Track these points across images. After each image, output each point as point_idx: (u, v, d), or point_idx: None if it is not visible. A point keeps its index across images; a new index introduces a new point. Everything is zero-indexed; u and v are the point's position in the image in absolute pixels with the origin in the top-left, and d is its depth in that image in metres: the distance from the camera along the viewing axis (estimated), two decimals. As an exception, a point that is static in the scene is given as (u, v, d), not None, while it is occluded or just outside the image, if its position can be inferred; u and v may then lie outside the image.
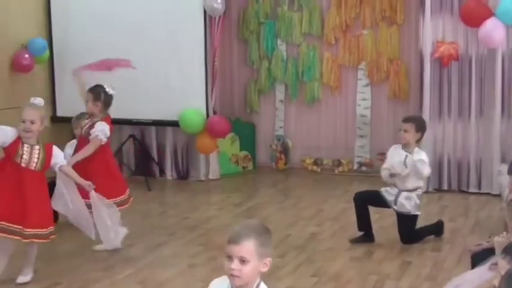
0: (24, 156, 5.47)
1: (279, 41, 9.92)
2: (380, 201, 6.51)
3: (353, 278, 5.69)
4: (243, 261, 2.96)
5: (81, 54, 9.34)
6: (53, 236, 5.60)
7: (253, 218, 7.54)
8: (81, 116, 7.44)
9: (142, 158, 9.55)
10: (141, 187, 8.76)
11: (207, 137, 9.03)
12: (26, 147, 5.48)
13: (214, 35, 9.27)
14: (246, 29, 10.01)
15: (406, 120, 6.56)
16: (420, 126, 6.49)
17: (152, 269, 5.93)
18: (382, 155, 9.40)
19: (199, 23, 9.09)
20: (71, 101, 9.24)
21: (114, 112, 9.22)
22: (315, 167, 9.82)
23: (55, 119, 9.44)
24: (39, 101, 5.71)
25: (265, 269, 3.03)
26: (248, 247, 2.96)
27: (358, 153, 9.66)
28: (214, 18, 9.23)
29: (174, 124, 9.10)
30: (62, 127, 8.85)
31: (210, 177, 9.43)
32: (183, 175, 9.54)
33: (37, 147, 5.53)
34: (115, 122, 9.44)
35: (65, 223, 6.60)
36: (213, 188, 9.12)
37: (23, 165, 5.45)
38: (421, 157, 6.34)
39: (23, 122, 5.51)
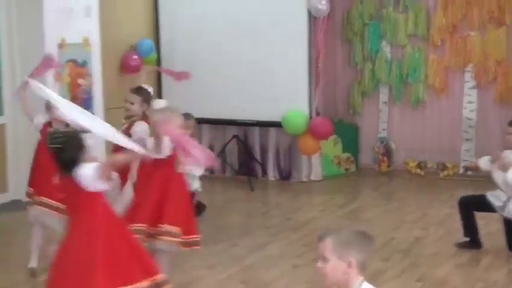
0: None
1: (383, 42, 9.83)
2: (486, 207, 6.34)
3: (459, 285, 5.59)
4: (324, 259, 3.04)
5: (187, 55, 9.54)
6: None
7: (355, 220, 7.52)
8: (185, 116, 7.56)
9: (246, 158, 9.64)
10: (244, 187, 8.86)
11: (310, 138, 9.04)
12: None
13: (318, 36, 9.28)
14: (350, 30, 9.96)
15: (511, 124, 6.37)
16: None
17: (256, 268, 5.98)
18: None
19: (303, 24, 9.11)
20: (177, 102, 9.45)
21: (219, 112, 9.43)
22: (418, 170, 9.68)
23: (161, 119, 9.63)
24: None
25: (349, 270, 3.02)
26: (327, 245, 3.04)
27: (464, 157, 9.46)
28: (319, 19, 9.23)
29: (277, 125, 9.15)
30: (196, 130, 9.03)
31: (312, 178, 9.43)
32: (285, 176, 9.57)
33: None
34: (220, 123, 9.67)
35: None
36: (315, 189, 9.11)
37: None
38: None
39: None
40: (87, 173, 4.00)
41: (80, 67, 8.24)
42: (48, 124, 5.89)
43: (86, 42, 8.30)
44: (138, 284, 4.08)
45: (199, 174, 7.42)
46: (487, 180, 8.44)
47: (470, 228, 6.42)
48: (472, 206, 6.43)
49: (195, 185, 7.49)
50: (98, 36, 8.42)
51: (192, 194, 7.49)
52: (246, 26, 9.28)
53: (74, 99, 8.05)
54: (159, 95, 9.78)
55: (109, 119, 8.63)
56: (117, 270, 4.04)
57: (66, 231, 4.24)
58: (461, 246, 6.40)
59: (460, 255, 6.27)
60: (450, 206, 7.56)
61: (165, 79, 9.72)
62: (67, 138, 4.18)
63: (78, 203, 4.09)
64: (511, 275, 5.77)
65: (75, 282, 3.99)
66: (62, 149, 4.08)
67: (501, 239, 6.48)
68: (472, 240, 6.41)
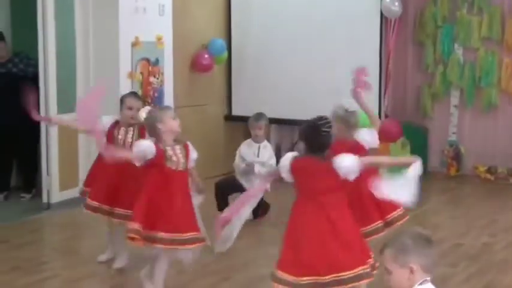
0: (174, 158, 5.12)
1: (456, 45, 9.70)
2: None
3: (527, 293, 5.49)
4: (388, 271, 3.04)
5: (258, 56, 9.62)
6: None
7: (423, 224, 7.44)
8: (258, 116, 7.61)
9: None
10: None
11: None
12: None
13: (390, 37, 9.22)
14: (422, 32, 9.86)
15: None
16: None
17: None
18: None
19: (375, 25, 9.09)
20: (247, 101, 9.55)
21: (288, 112, 9.45)
22: (488, 175, 9.52)
23: (230, 118, 9.74)
24: None
25: (413, 276, 2.99)
26: (386, 257, 3.03)
27: (536, 163, 9.28)
28: (390, 20, 9.18)
29: (345, 126, 9.12)
30: (237, 126, 9.12)
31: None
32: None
33: (178, 147, 5.22)
34: (286, 123, 9.69)
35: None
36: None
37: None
38: None
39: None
40: (350, 164, 4.38)
41: (152, 65, 8.39)
42: (116, 124, 5.89)
43: (159, 41, 8.45)
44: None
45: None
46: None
47: None
48: None
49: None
50: (170, 35, 8.57)
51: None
52: (318, 26, 9.30)
53: (145, 97, 8.22)
54: (229, 95, 9.88)
55: (179, 117, 8.80)
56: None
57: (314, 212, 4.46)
58: None
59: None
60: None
61: (235, 79, 9.81)
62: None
63: (330, 185, 4.42)
64: None
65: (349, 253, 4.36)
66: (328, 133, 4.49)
67: None
68: None
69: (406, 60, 10.01)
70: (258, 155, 7.41)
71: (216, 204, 7.35)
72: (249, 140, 7.54)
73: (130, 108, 5.83)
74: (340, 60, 9.16)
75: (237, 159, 7.44)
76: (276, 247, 6.44)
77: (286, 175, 4.60)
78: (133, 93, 6.22)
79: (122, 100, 5.97)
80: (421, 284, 3.05)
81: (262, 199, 7.61)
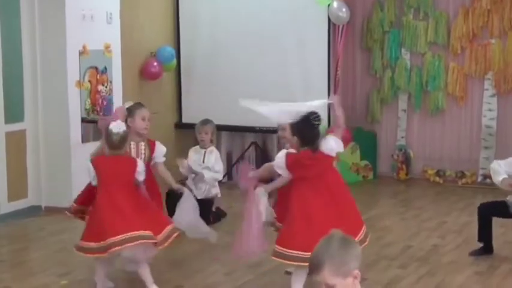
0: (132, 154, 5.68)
1: (403, 50, 9.83)
2: (507, 212, 6.31)
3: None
4: (329, 286, 2.83)
5: (207, 63, 9.61)
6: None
7: (372, 228, 7.50)
8: (204, 121, 7.64)
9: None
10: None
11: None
12: (132, 145, 5.73)
13: (338, 43, 9.30)
14: (370, 38, 9.97)
15: None
16: None
17: (272, 276, 5.97)
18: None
19: (323, 31, 9.16)
20: (197, 108, 9.54)
21: (238, 120, 9.45)
22: (437, 178, 9.67)
23: (180, 126, 9.71)
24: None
25: (356, 281, 2.88)
26: (325, 274, 2.81)
27: (482, 165, 9.42)
28: (338, 26, 9.26)
29: (296, 132, 9.17)
30: (187, 133, 9.09)
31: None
32: (303, 183, 9.57)
33: (143, 143, 5.81)
34: (238, 130, 9.69)
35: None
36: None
37: None
38: None
39: (144, 120, 5.81)
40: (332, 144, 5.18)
41: (100, 74, 8.32)
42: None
43: (107, 49, 8.38)
44: None
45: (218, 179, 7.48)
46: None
47: (485, 233, 6.38)
48: (492, 212, 6.39)
49: (214, 191, 7.55)
50: (118, 43, 8.51)
51: (211, 200, 7.56)
52: (267, 33, 9.32)
53: (94, 105, 8.15)
54: (179, 103, 9.85)
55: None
56: None
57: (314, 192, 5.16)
58: (475, 254, 6.37)
59: (477, 263, 6.25)
60: (468, 214, 7.55)
61: (184, 87, 9.79)
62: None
63: (325, 167, 5.23)
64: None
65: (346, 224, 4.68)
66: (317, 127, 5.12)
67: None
68: (486, 246, 6.37)
69: (354, 66, 10.11)
70: (204, 161, 7.42)
71: (167, 212, 7.30)
72: (196, 147, 7.56)
73: (143, 119, 5.84)
74: (290, 67, 9.21)
75: (184, 162, 7.41)
76: (228, 253, 6.47)
77: (282, 171, 5.24)
78: (141, 104, 6.12)
79: (132, 111, 5.82)
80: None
81: (213, 207, 7.61)
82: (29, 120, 8.04)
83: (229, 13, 9.57)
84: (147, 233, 5.18)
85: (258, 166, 9.69)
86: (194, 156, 7.51)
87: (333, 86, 9.29)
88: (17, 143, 7.89)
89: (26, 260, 6.54)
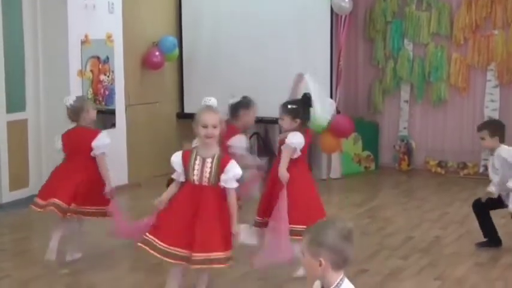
0: (196, 171, 4.79)
1: (405, 41, 9.81)
2: (500, 203, 6.29)
3: (477, 284, 5.56)
4: (302, 254, 3.04)
5: (209, 53, 9.60)
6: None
7: (374, 218, 7.51)
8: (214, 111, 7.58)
9: (266, 155, 9.64)
10: (263, 184, 8.85)
11: (330, 137, 9.03)
12: (198, 160, 4.80)
13: (340, 33, 9.28)
14: (372, 28, 9.94)
15: (479, 128, 6.39)
16: (494, 130, 6.23)
17: (272, 266, 5.93)
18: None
19: (326, 21, 9.12)
20: (199, 98, 9.48)
21: (240, 109, 9.43)
22: (439, 169, 9.66)
23: (182, 116, 9.70)
24: (213, 101, 5.18)
25: (323, 269, 2.96)
26: (304, 240, 3.04)
27: (484, 156, 9.39)
28: (341, 17, 9.23)
29: (298, 122, 9.15)
30: (189, 123, 9.05)
31: (332, 176, 9.43)
32: (305, 173, 9.57)
33: (209, 159, 4.77)
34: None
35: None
36: (335, 187, 9.11)
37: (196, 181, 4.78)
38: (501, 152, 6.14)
39: (204, 127, 4.74)
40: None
41: (102, 63, 8.31)
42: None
43: (109, 39, 8.37)
44: None
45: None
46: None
47: (488, 229, 6.40)
48: (487, 206, 6.40)
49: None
50: (120, 33, 8.50)
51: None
52: (269, 23, 9.30)
53: (96, 95, 8.14)
54: (181, 93, 9.84)
55: (130, 115, 8.77)
56: None
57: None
58: (481, 245, 6.37)
59: (479, 254, 6.24)
60: (470, 205, 7.50)
61: (186, 77, 9.77)
62: None
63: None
64: (531, 275, 5.74)
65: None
66: None
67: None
68: (491, 239, 6.39)
69: (356, 56, 10.09)
70: None
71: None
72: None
73: (205, 126, 4.77)
74: (292, 57, 9.18)
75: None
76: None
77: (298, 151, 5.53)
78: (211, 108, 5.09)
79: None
80: (339, 285, 3.02)
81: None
82: (31, 109, 8.03)
83: (231, 3, 9.54)
84: (59, 202, 5.71)
85: (259, 155, 9.74)
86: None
87: (335, 76, 9.26)
88: (18, 133, 7.88)
89: (27, 249, 6.55)
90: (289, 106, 5.65)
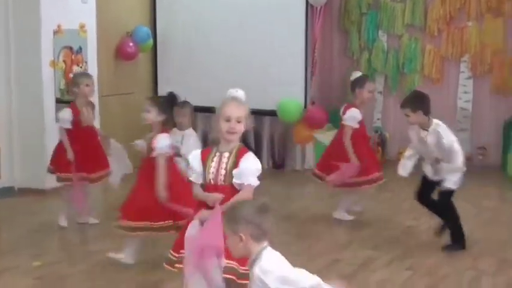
0: (212, 169, 4.05)
1: (380, 32, 9.84)
2: (433, 183, 6.21)
3: (448, 274, 5.59)
4: (225, 234, 3.28)
5: (184, 43, 9.56)
6: None
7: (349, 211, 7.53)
8: (182, 104, 7.57)
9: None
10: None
11: (304, 127, 9.04)
12: (216, 157, 4.08)
13: (315, 25, 9.28)
14: (347, 20, 9.96)
15: (401, 106, 6.28)
16: (415, 105, 6.10)
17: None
18: (483, 150, 9.24)
19: (301, 13, 9.12)
20: (173, 89, 9.43)
21: (214, 101, 9.38)
22: (413, 160, 9.69)
23: (157, 106, 9.65)
24: (241, 93, 4.27)
25: (245, 244, 3.15)
26: (223, 222, 3.25)
27: (458, 146, 9.45)
28: (316, 8, 9.23)
29: (272, 113, 9.16)
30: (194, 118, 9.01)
31: (306, 167, 9.45)
32: (278, 164, 9.59)
33: (226, 153, 4.06)
34: (213, 111, 9.57)
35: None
36: (309, 178, 9.08)
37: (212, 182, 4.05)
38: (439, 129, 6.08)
39: (227, 120, 4.08)
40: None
41: (75, 54, 8.24)
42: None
43: (82, 29, 8.30)
44: None
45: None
46: (482, 169, 8.51)
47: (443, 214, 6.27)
48: (427, 193, 6.31)
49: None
50: (94, 23, 8.43)
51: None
52: (243, 14, 9.29)
53: (68, 86, 8.07)
54: (155, 84, 9.80)
55: (103, 106, 8.70)
56: None
57: None
58: (442, 230, 6.25)
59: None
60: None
61: (161, 67, 9.73)
62: None
63: None
64: (500, 264, 5.77)
65: None
66: None
67: (492, 229, 6.55)
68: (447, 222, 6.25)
69: (331, 48, 10.10)
70: (182, 143, 7.38)
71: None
72: (173, 129, 7.50)
73: (228, 120, 4.10)
74: (267, 48, 9.18)
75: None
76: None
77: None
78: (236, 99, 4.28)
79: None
80: (258, 255, 3.17)
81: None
82: (2, 100, 7.95)
83: (206, -7, 9.52)
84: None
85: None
86: (172, 138, 7.45)
87: (310, 67, 9.27)
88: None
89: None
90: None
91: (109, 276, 5.44)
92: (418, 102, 6.16)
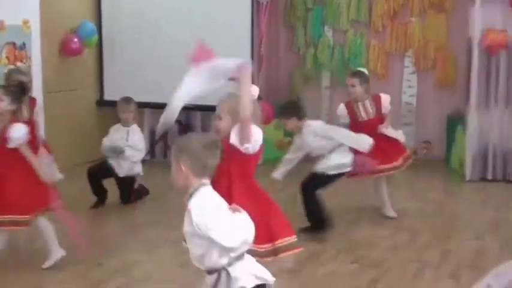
0: None
1: (326, 28, 9.92)
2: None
3: (393, 266, 5.68)
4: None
5: (130, 39, 9.48)
6: None
7: (294, 204, 7.56)
8: (127, 100, 7.57)
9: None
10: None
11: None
12: None
13: (262, 21, 9.30)
14: (293, 15, 10.01)
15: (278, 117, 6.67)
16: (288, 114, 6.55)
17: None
18: (427, 143, 9.39)
19: (246, 8, 9.12)
20: (119, 85, 9.43)
21: (160, 97, 9.34)
22: (358, 154, 9.80)
23: (102, 103, 9.59)
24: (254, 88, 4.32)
25: (184, 175, 3.29)
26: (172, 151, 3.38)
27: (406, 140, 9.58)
28: (262, 4, 9.26)
29: (219, 109, 9.15)
30: (109, 111, 8.97)
31: (254, 162, 9.44)
32: (227, 160, 9.59)
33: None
34: (160, 107, 9.55)
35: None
36: (256, 173, 9.09)
37: None
38: None
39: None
40: None
41: (18, 50, 8.13)
42: None
43: (26, 25, 8.18)
44: None
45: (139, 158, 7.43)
46: (427, 162, 8.62)
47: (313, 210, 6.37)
48: (314, 187, 6.48)
49: (137, 169, 7.50)
50: (37, 19, 8.31)
51: (133, 178, 7.51)
52: (191, 10, 9.24)
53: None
54: (101, 79, 9.71)
55: (49, 103, 8.60)
56: None
57: None
58: (305, 231, 6.10)
59: (395, 236, 6.39)
60: (389, 187, 7.66)
61: (106, 63, 9.65)
62: None
63: None
64: (444, 255, 5.89)
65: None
66: None
67: (436, 222, 6.69)
68: (315, 224, 6.29)
69: (278, 43, 10.14)
70: (127, 139, 7.37)
71: (91, 190, 7.29)
72: (117, 125, 7.48)
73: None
74: (214, 44, 9.05)
75: (105, 143, 7.39)
76: (152, 231, 6.45)
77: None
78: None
79: None
80: (196, 190, 3.29)
81: (134, 185, 7.56)
82: None
83: (151, -11, 9.46)
84: None
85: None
86: (116, 134, 7.44)
87: (256, 63, 9.29)
88: None
89: None
90: None
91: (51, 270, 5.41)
92: (290, 109, 6.56)
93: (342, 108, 6.93)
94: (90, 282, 5.29)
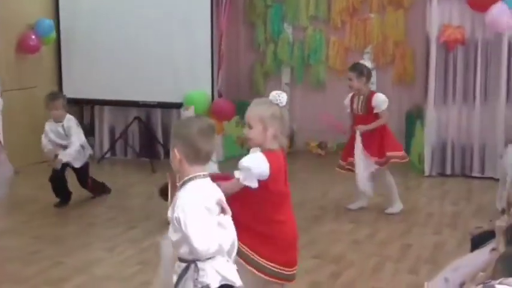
0: None
1: (285, 24, 9.94)
2: None
3: (354, 260, 5.72)
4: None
5: (89, 36, 9.40)
6: None
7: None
8: (54, 96, 7.39)
9: (148, 139, 9.59)
10: (145, 169, 8.81)
11: (212, 120, 9.04)
12: None
13: (221, 18, 9.29)
14: (252, 12, 10.02)
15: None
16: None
17: (153, 251, 5.93)
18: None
19: (206, 5, 9.09)
20: (79, 83, 9.35)
21: (120, 94, 9.31)
22: (319, 150, 9.86)
23: (61, 100, 9.47)
24: (281, 97, 4.20)
25: (178, 161, 3.20)
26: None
27: (362, 136, 9.65)
28: (221, 1, 9.24)
29: (179, 106, 9.12)
30: (68, 108, 8.88)
31: (213, 159, 9.42)
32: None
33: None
34: (120, 104, 9.54)
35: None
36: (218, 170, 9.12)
37: None
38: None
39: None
40: None
41: (-26, 47, 8.01)
42: None
43: (-19, 22, 8.08)
44: None
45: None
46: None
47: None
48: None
49: (87, 152, 7.38)
50: (-7, 15, 8.20)
51: (87, 164, 7.38)
52: (151, 7, 9.18)
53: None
54: (59, 77, 9.61)
55: (6, 101, 8.49)
56: None
57: None
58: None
59: (356, 232, 6.44)
60: (350, 184, 7.71)
61: (65, 60, 9.55)
62: None
63: None
64: (403, 249, 5.96)
65: None
66: None
67: (396, 217, 6.77)
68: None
69: (238, 40, 10.14)
70: (66, 134, 7.21)
71: (54, 193, 7.21)
72: (51, 120, 7.30)
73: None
74: (174, 41, 9.12)
75: (44, 140, 7.27)
76: (112, 229, 6.42)
77: None
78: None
79: None
80: (188, 181, 3.20)
81: (96, 181, 7.50)
82: None
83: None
84: None
85: (141, 141, 9.68)
86: (53, 129, 7.27)
87: (217, 60, 9.27)
88: None
89: None
90: None
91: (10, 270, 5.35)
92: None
93: (347, 99, 7.12)
94: (51, 280, 5.24)
